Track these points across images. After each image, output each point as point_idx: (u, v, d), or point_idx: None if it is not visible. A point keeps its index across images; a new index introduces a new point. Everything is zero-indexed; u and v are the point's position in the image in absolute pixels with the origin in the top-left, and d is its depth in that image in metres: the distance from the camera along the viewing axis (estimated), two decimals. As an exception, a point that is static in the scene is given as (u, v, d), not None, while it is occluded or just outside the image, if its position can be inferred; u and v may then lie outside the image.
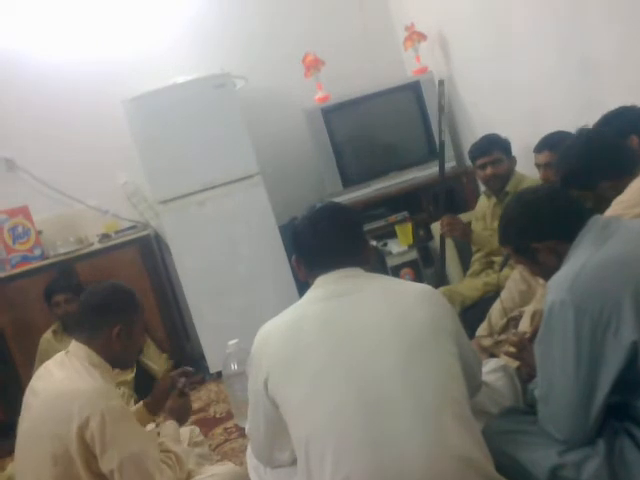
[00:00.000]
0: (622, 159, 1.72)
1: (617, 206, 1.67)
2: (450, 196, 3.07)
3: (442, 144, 2.80)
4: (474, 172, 2.83)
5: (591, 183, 1.71)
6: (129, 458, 1.48)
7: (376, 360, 1.24)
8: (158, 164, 3.26)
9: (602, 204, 1.70)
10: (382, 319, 1.29)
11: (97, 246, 3.53)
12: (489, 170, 2.68)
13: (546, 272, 1.43)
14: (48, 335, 3.17)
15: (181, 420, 1.84)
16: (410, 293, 1.36)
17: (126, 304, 1.69)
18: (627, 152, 1.76)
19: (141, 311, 1.73)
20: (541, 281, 2.01)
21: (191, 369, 1.97)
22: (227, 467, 1.79)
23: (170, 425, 1.77)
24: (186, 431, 1.97)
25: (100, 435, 1.46)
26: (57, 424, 1.48)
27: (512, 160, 2.72)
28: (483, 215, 2.84)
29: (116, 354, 1.65)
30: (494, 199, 2.78)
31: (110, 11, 3.62)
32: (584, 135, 1.81)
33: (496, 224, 2.60)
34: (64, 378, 1.55)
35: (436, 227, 2.84)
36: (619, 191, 1.70)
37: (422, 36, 3.46)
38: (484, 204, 2.87)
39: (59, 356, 1.65)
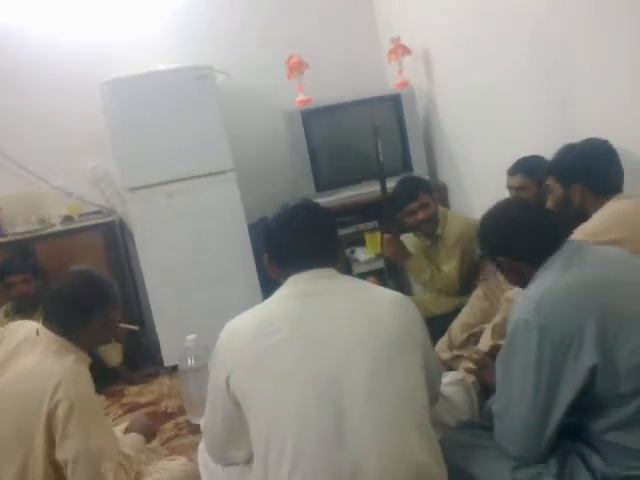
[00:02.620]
0: (608, 176, 1.81)
1: (579, 233, 1.72)
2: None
3: (381, 164, 2.78)
4: (401, 219, 2.69)
5: (569, 180, 1.80)
6: (86, 453, 1.45)
7: (343, 364, 1.23)
8: (130, 150, 3.19)
9: (566, 208, 1.79)
10: (353, 322, 1.28)
11: (58, 228, 3.44)
12: (420, 215, 2.64)
13: (523, 281, 1.45)
14: (-1, 315, 3.07)
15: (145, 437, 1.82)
16: (383, 299, 1.35)
17: (105, 297, 1.65)
18: (613, 174, 1.83)
19: (115, 294, 1.69)
20: (506, 295, 2.05)
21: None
22: (178, 462, 1.76)
23: (134, 436, 1.75)
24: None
25: (64, 422, 1.43)
26: (27, 403, 1.45)
27: (436, 200, 2.73)
28: (417, 252, 2.79)
29: (94, 340, 1.64)
30: (426, 241, 2.77)
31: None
32: (593, 142, 1.88)
33: (433, 266, 2.64)
34: (37, 358, 1.52)
35: (405, 238, 2.86)
36: (584, 206, 1.78)
37: (407, 50, 3.49)
38: (414, 243, 2.83)
39: (31, 337, 1.60)
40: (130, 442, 1.71)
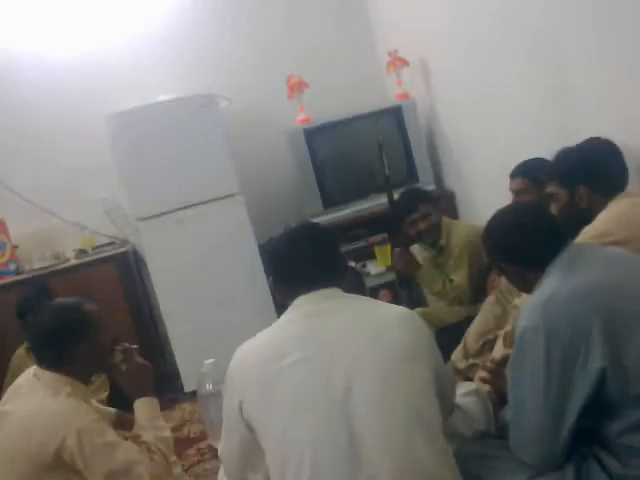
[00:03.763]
0: (610, 174, 1.80)
1: (584, 235, 1.71)
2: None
3: (388, 179, 2.81)
4: (406, 228, 2.71)
5: (572, 182, 1.79)
6: (114, 473, 1.49)
7: (351, 379, 1.24)
8: (139, 180, 3.25)
9: (573, 212, 1.78)
10: (359, 339, 1.29)
11: (73, 262, 3.49)
12: (421, 226, 2.66)
13: (528, 287, 1.45)
14: (21, 351, 3.11)
15: (146, 389, 1.74)
16: (389, 316, 1.36)
17: (80, 323, 1.64)
18: (616, 172, 1.82)
19: (94, 319, 1.67)
20: (514, 303, 2.04)
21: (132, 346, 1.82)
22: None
23: (143, 405, 1.70)
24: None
25: (80, 452, 1.47)
26: (31, 447, 1.48)
27: (439, 209, 2.74)
28: (426, 263, 2.81)
29: (88, 368, 1.65)
30: (432, 251, 2.78)
31: (96, 25, 3.63)
32: (592, 142, 1.87)
33: (444, 276, 2.64)
34: (36, 402, 1.55)
35: (415, 250, 2.87)
36: (591, 207, 1.77)
37: (404, 62, 3.51)
38: (423, 255, 2.85)
39: (29, 380, 1.63)
40: (146, 420, 1.67)
